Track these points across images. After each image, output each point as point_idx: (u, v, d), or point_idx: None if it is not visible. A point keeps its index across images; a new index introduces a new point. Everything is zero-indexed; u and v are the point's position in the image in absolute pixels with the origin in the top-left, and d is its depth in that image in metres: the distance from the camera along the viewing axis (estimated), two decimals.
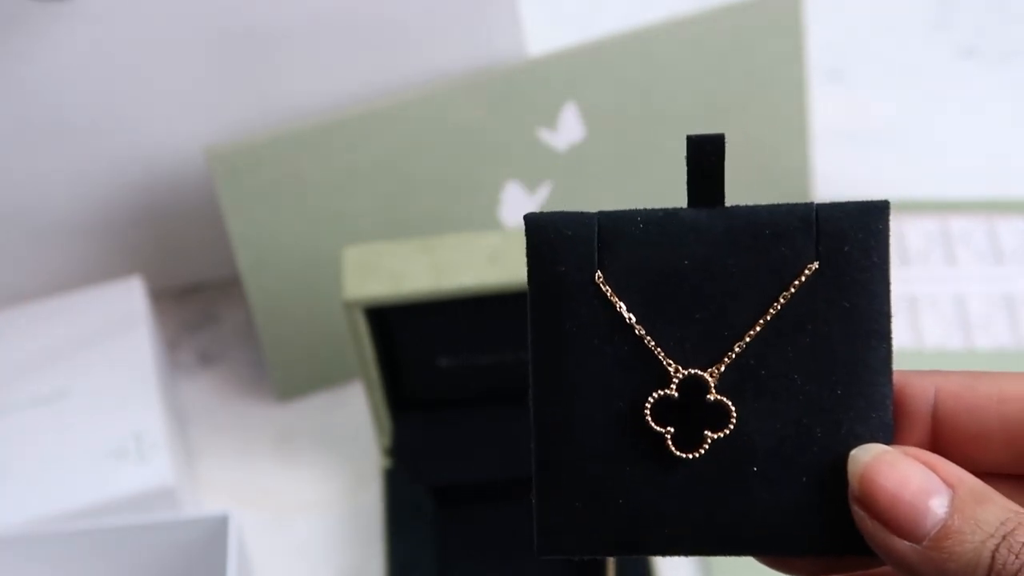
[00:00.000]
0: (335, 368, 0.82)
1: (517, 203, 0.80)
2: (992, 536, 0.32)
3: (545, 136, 0.79)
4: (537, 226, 0.37)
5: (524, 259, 0.68)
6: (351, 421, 0.80)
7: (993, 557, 0.32)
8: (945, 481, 0.34)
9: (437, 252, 0.69)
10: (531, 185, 0.80)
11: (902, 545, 0.33)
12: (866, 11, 1.04)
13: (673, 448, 0.36)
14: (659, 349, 0.37)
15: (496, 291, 0.68)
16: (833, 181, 0.90)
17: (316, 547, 0.76)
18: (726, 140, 0.37)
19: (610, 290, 0.37)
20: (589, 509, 0.37)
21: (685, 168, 0.37)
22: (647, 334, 0.37)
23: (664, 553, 0.37)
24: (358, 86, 0.79)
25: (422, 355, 0.74)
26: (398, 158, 0.76)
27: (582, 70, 0.78)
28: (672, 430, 0.36)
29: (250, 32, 0.75)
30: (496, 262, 0.68)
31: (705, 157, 0.37)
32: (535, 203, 0.81)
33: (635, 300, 0.37)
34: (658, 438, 0.37)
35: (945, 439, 0.37)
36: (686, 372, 0.37)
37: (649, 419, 0.36)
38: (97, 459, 0.70)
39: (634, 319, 0.37)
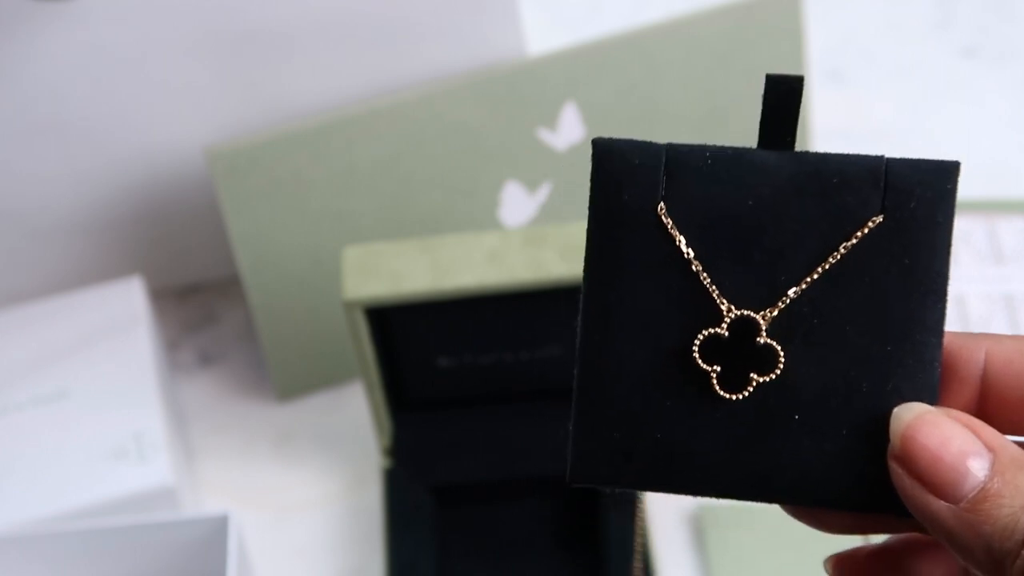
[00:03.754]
0: (335, 368, 0.82)
1: (517, 203, 0.80)
2: None
3: (545, 136, 0.79)
4: (605, 152, 0.37)
5: (523, 260, 0.68)
6: (351, 421, 0.80)
7: None
8: (986, 445, 0.34)
9: (437, 252, 0.69)
10: (531, 185, 0.80)
11: (939, 505, 0.33)
12: (866, 11, 1.04)
13: (718, 388, 0.36)
14: (714, 287, 0.36)
15: (496, 291, 0.68)
16: None
17: (316, 547, 0.76)
18: (804, 83, 0.37)
19: (671, 223, 0.37)
20: (625, 440, 0.37)
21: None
22: (704, 271, 0.36)
23: (695, 492, 0.37)
24: (358, 86, 0.79)
25: (422, 355, 0.74)
26: (398, 158, 0.76)
27: (582, 70, 0.78)
28: (719, 369, 0.36)
29: (250, 32, 0.75)
30: (496, 262, 0.68)
31: (781, 99, 0.37)
32: (535, 203, 0.81)
33: (695, 236, 0.36)
34: (703, 376, 0.36)
35: (992, 403, 0.37)
36: (738, 313, 0.36)
37: (697, 356, 0.36)
38: (97, 459, 0.70)
39: (692, 254, 0.36)
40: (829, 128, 0.93)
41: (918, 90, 0.98)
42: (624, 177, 0.37)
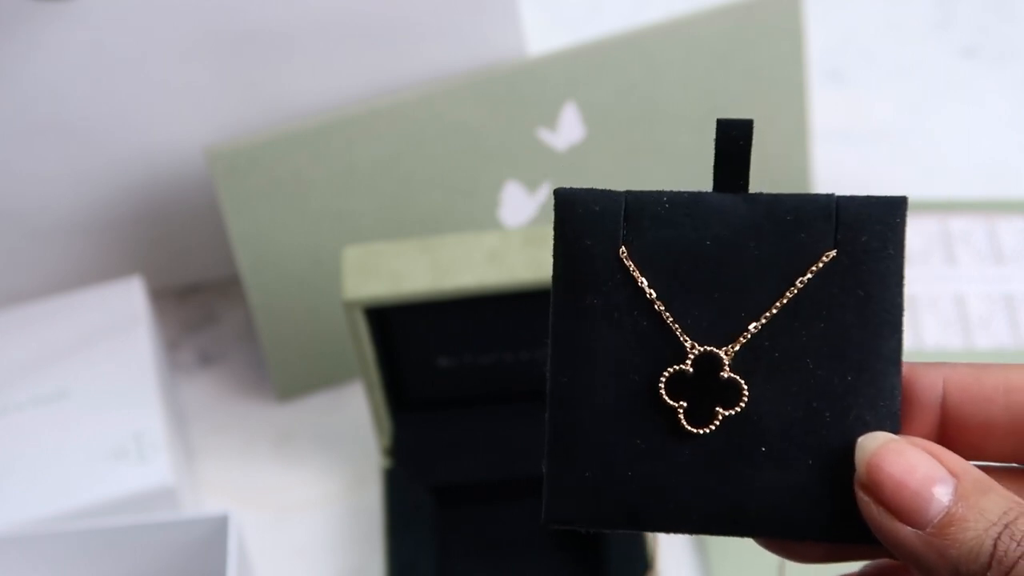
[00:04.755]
0: (335, 368, 0.82)
1: (517, 203, 0.80)
2: (995, 524, 0.33)
3: (545, 136, 0.79)
4: (566, 200, 0.38)
5: (523, 260, 0.68)
6: (351, 421, 0.80)
7: (995, 545, 0.33)
8: (950, 471, 0.35)
9: (437, 252, 0.69)
10: (531, 185, 0.80)
11: (906, 531, 0.34)
12: (866, 11, 1.04)
13: (685, 423, 0.37)
14: (677, 325, 0.37)
15: (496, 291, 0.68)
16: (833, 181, 0.90)
17: (316, 547, 0.76)
18: (753, 126, 0.37)
19: (633, 266, 0.38)
20: (598, 480, 0.38)
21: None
22: (666, 310, 0.37)
23: (669, 530, 0.38)
24: (358, 86, 0.79)
25: (422, 355, 0.74)
26: (398, 158, 0.77)
27: (582, 70, 0.78)
28: (685, 405, 0.37)
29: (250, 32, 0.75)
30: (496, 262, 0.68)
31: (732, 141, 0.38)
32: (535, 203, 0.81)
33: (656, 277, 0.37)
34: (670, 412, 0.37)
35: (952, 429, 0.37)
36: (701, 349, 0.37)
37: (663, 393, 0.37)
38: (97, 459, 0.70)
39: (654, 295, 0.37)
40: (829, 128, 0.93)
41: (918, 90, 0.98)
42: (586, 224, 0.38)
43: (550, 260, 0.72)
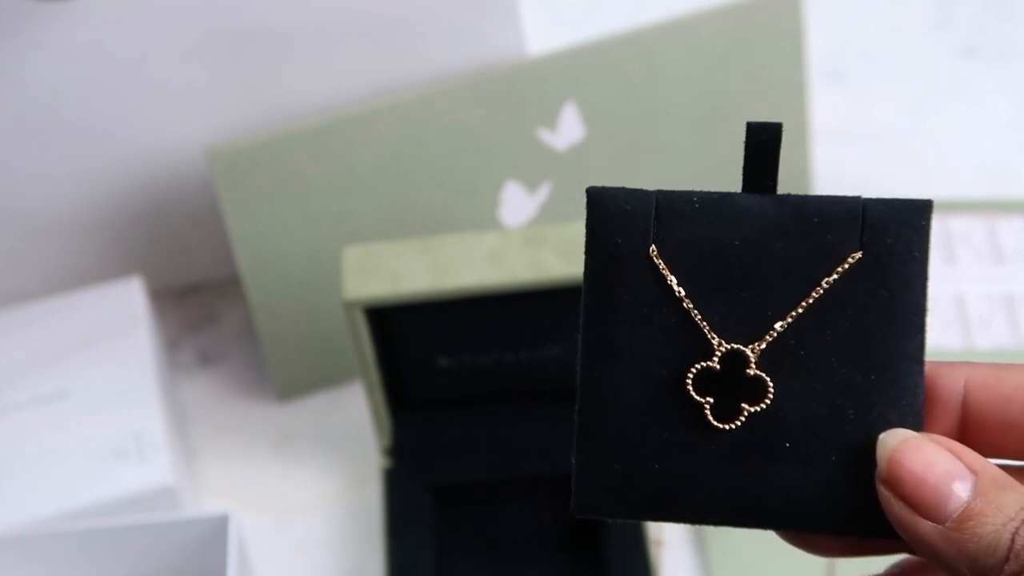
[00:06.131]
0: (335, 368, 0.82)
1: (517, 203, 0.80)
2: (1012, 520, 0.34)
3: (545, 136, 0.79)
4: (598, 199, 0.39)
5: (523, 260, 0.68)
6: (351, 421, 0.80)
7: (1013, 539, 0.34)
8: (969, 467, 0.35)
9: (437, 252, 0.69)
10: (531, 185, 0.80)
11: (926, 526, 0.35)
12: (866, 11, 1.04)
13: (711, 418, 0.38)
14: (704, 323, 0.38)
15: (496, 291, 0.68)
16: (833, 181, 0.90)
17: (316, 547, 0.76)
18: (783, 130, 0.39)
19: (662, 263, 0.38)
20: (626, 471, 0.38)
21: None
22: (694, 308, 0.38)
23: (694, 521, 0.38)
24: (358, 86, 0.79)
25: (422, 355, 0.74)
26: (398, 158, 0.77)
27: (582, 70, 0.78)
28: (711, 401, 0.38)
29: (250, 32, 0.75)
30: (496, 262, 0.68)
31: (762, 144, 0.39)
32: (535, 203, 0.81)
33: (685, 275, 0.38)
34: (697, 408, 0.38)
35: (972, 428, 0.38)
36: (728, 346, 0.38)
37: (690, 388, 0.38)
38: (97, 459, 0.70)
39: (683, 292, 0.38)
40: (829, 128, 0.93)
41: (918, 90, 0.98)
42: (617, 222, 0.39)
43: (549, 260, 0.72)
